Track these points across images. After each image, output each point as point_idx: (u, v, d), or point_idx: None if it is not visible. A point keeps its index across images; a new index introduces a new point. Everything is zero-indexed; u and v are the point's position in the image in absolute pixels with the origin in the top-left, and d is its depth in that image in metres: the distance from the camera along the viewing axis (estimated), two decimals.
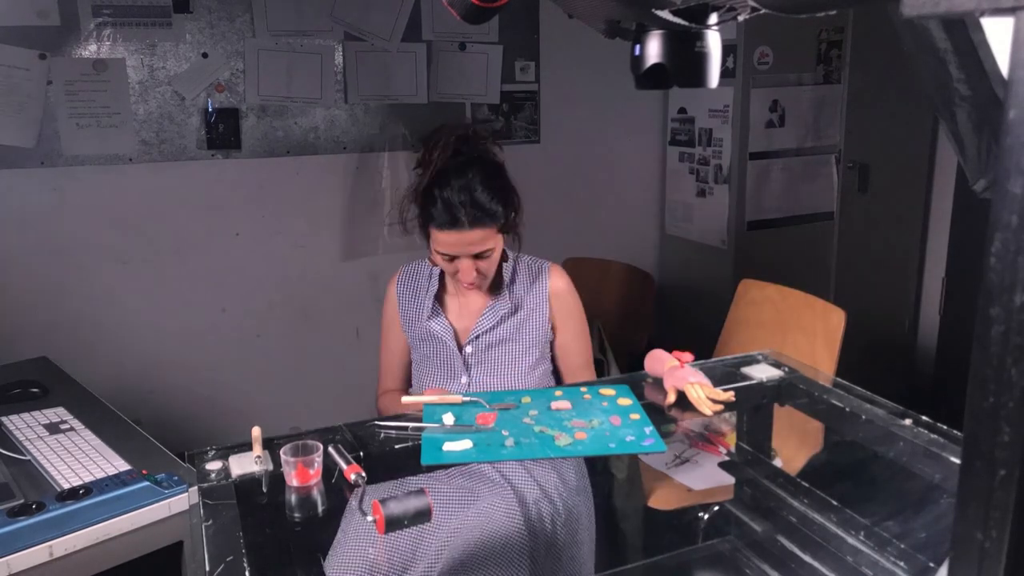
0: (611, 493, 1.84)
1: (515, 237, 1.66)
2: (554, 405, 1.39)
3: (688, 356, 1.45)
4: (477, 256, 1.57)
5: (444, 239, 1.55)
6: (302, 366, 3.10)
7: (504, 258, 1.69)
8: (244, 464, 1.18)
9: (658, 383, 1.46)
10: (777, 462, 1.56)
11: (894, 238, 3.48)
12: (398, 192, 3.12)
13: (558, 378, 1.78)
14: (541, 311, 1.70)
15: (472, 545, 1.45)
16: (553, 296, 1.71)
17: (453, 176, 1.56)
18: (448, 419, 1.31)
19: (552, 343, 1.74)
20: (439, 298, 1.72)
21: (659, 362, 1.47)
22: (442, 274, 1.71)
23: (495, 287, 1.70)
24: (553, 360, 1.76)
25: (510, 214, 1.61)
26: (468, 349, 1.68)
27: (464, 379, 1.67)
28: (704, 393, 1.36)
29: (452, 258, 1.57)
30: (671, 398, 1.39)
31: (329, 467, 1.15)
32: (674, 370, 1.41)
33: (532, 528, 1.49)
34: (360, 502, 1.08)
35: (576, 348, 1.76)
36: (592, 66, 3.17)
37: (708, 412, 1.34)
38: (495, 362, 1.68)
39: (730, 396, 1.39)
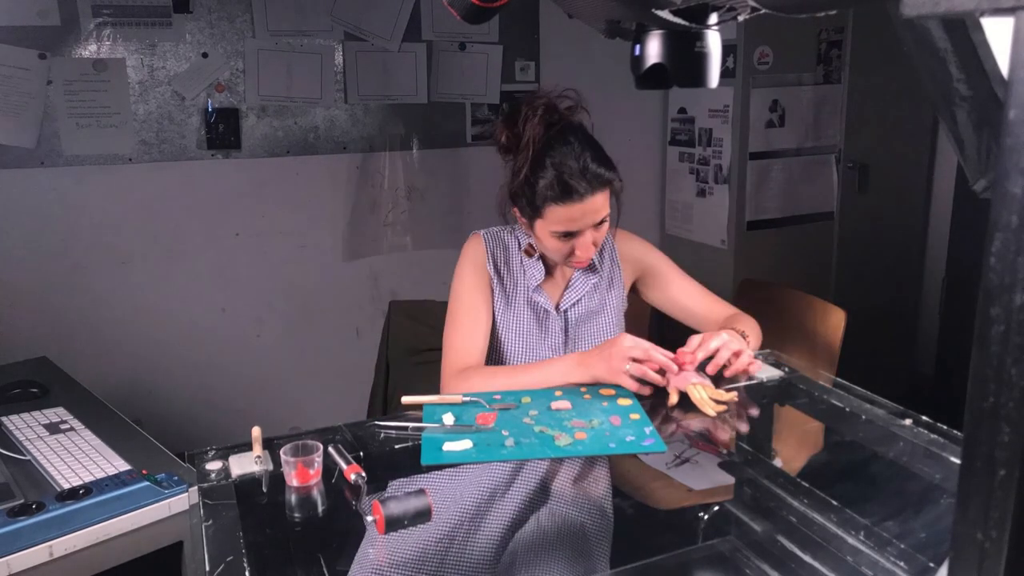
0: (610, 493, 1.83)
1: (618, 204, 1.58)
2: (554, 405, 1.39)
3: (690, 357, 1.45)
4: (595, 227, 1.49)
5: (565, 214, 1.45)
6: (302, 366, 3.10)
7: None
8: (244, 464, 1.18)
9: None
10: (777, 462, 1.55)
11: (894, 238, 3.48)
12: (397, 192, 3.13)
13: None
14: (618, 280, 1.67)
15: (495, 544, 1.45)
16: (623, 260, 1.67)
17: (558, 146, 1.46)
18: (448, 419, 1.31)
19: (662, 305, 1.70)
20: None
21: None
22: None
23: None
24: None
25: (618, 174, 1.53)
26: (560, 320, 1.62)
27: (563, 351, 1.62)
28: (707, 394, 1.36)
29: (568, 235, 1.48)
30: (673, 399, 1.39)
31: (329, 467, 1.15)
32: (679, 372, 1.41)
33: (546, 527, 1.50)
34: (360, 502, 1.09)
35: (687, 288, 1.70)
36: (592, 66, 3.17)
37: (712, 413, 1.34)
38: (587, 336, 1.63)
39: (733, 396, 1.39)
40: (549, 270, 1.65)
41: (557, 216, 1.46)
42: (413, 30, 3.00)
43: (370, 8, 2.93)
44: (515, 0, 1.82)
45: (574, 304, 1.64)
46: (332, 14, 2.89)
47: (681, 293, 1.71)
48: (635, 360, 1.39)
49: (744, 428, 1.59)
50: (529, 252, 1.63)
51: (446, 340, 1.62)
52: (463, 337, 1.58)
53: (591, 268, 1.64)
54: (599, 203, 1.48)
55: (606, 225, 1.53)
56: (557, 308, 1.63)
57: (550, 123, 1.49)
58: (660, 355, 1.40)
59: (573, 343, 1.64)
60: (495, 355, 1.64)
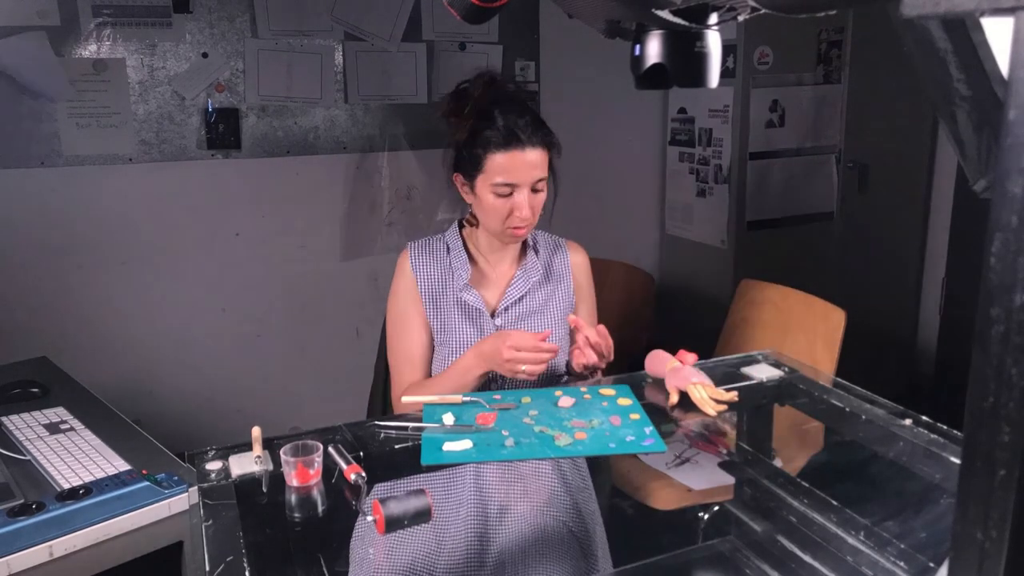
0: (611, 493, 1.84)
1: (554, 183, 1.61)
2: (560, 403, 1.39)
3: (692, 357, 1.45)
4: (533, 190, 1.51)
5: (504, 163, 1.49)
6: (302, 366, 3.10)
7: None
8: (244, 464, 1.18)
9: (659, 383, 1.46)
10: (777, 462, 1.56)
11: (894, 238, 3.48)
12: (397, 192, 3.13)
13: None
14: (566, 283, 1.67)
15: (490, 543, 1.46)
16: (575, 269, 1.69)
17: (504, 102, 1.52)
18: (448, 419, 1.31)
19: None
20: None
21: (660, 362, 1.47)
22: (465, 246, 1.64)
23: (521, 254, 1.66)
24: None
25: (558, 143, 1.57)
26: (498, 321, 1.60)
27: None
28: (707, 393, 1.36)
29: (508, 193, 1.50)
30: (674, 399, 1.39)
31: (329, 467, 1.15)
32: (676, 370, 1.41)
33: (545, 527, 1.50)
34: (360, 502, 1.09)
35: (592, 323, 1.69)
36: (592, 66, 3.17)
37: (712, 413, 1.34)
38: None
39: (733, 396, 1.38)
40: (485, 272, 1.64)
41: (498, 165, 1.49)
42: (413, 30, 3.00)
43: (370, 8, 2.93)
44: (515, 0, 1.82)
45: (514, 303, 1.61)
46: (332, 14, 2.89)
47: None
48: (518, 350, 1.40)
49: (744, 428, 1.60)
50: (471, 221, 1.65)
51: (391, 360, 1.65)
52: (401, 356, 1.61)
53: (533, 267, 1.63)
54: (539, 159, 1.51)
55: (542, 196, 1.55)
56: (495, 310, 1.61)
57: (491, 82, 1.57)
58: (541, 349, 1.40)
59: None
60: (439, 361, 1.62)
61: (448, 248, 1.65)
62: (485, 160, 1.51)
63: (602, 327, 1.48)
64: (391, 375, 1.66)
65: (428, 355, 1.61)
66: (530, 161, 1.50)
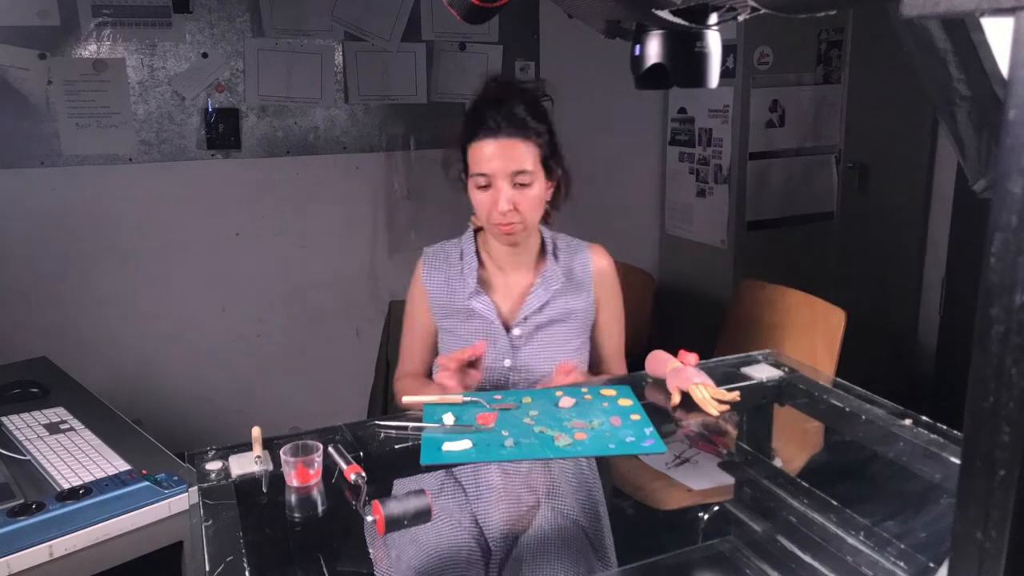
0: (611, 493, 1.84)
1: (560, 189, 1.59)
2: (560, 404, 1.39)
3: (693, 357, 1.45)
4: (516, 185, 1.48)
5: (479, 152, 1.48)
6: (302, 366, 3.10)
7: (545, 218, 1.64)
8: (244, 464, 1.18)
9: (659, 384, 1.46)
10: (777, 462, 1.55)
11: (894, 238, 3.47)
12: (398, 192, 3.13)
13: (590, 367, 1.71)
14: (587, 289, 1.64)
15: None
16: (596, 275, 1.65)
17: (492, 93, 1.52)
18: (448, 419, 1.31)
19: (594, 325, 1.67)
20: (479, 277, 1.62)
21: (661, 363, 1.46)
22: (477, 252, 1.64)
23: (539, 260, 1.63)
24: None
25: (551, 137, 1.53)
26: (516, 331, 1.58)
27: (508, 362, 1.59)
28: (709, 394, 1.36)
29: (486, 185, 1.49)
30: (675, 399, 1.38)
31: (329, 467, 1.15)
32: (678, 371, 1.41)
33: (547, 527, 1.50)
34: (360, 502, 1.08)
35: (614, 331, 1.70)
36: (592, 66, 3.17)
37: (715, 413, 1.34)
38: (542, 343, 1.60)
39: (735, 396, 1.38)
40: (499, 278, 1.63)
41: (475, 155, 1.49)
42: (413, 30, 3.00)
43: (370, 8, 2.93)
44: (515, 0, 1.82)
45: (534, 313, 1.59)
46: (332, 14, 2.89)
47: (604, 330, 1.70)
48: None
49: (744, 428, 1.60)
50: (474, 222, 1.66)
51: (399, 364, 1.74)
52: (405, 349, 1.71)
53: (553, 276, 1.60)
54: (517, 150, 1.48)
55: (531, 192, 1.50)
56: (513, 320, 1.59)
57: (495, 83, 1.56)
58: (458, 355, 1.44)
59: (520, 352, 1.59)
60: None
61: (461, 253, 1.64)
62: (467, 152, 1.51)
63: (563, 364, 1.50)
64: (399, 378, 1.72)
65: (426, 351, 1.70)
66: (504, 152, 1.47)
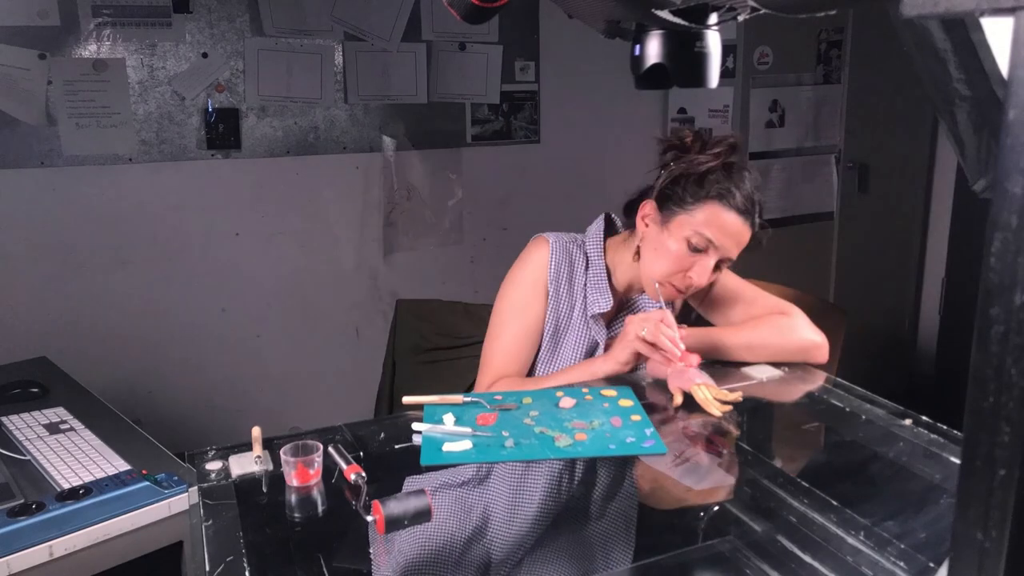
0: (610, 493, 1.83)
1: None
2: (561, 404, 1.39)
3: (695, 358, 1.45)
4: (718, 266, 1.43)
5: (720, 219, 1.39)
6: (302, 366, 3.10)
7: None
8: (244, 464, 1.18)
9: (660, 384, 1.45)
10: (777, 462, 1.55)
11: (894, 238, 3.48)
12: (398, 192, 3.13)
13: None
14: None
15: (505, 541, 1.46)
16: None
17: (743, 170, 1.44)
18: (448, 419, 1.31)
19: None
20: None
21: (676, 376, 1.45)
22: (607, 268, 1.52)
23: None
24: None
25: (761, 238, 1.48)
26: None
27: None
28: (711, 394, 1.35)
29: (699, 250, 1.41)
30: (677, 400, 1.38)
31: (329, 467, 1.15)
32: (679, 372, 1.40)
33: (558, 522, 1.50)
34: (360, 502, 1.08)
35: (732, 288, 1.64)
36: (592, 66, 3.17)
37: (717, 413, 1.34)
38: None
39: (738, 396, 1.38)
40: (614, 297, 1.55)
41: (711, 217, 1.39)
42: (413, 30, 3.00)
43: (370, 8, 2.93)
44: (515, 0, 1.82)
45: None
46: (332, 14, 2.89)
47: (722, 302, 1.64)
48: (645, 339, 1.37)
49: (745, 428, 1.60)
50: (636, 254, 1.51)
51: (487, 346, 1.52)
52: (506, 347, 1.50)
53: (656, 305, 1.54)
54: (744, 238, 1.43)
55: (719, 274, 1.48)
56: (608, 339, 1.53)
57: (733, 149, 1.47)
58: (666, 332, 1.37)
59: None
60: (531, 371, 1.56)
61: (587, 263, 1.52)
62: (701, 205, 1.40)
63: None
64: (482, 362, 1.53)
65: (531, 355, 1.51)
66: (740, 232, 1.42)
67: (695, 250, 1.41)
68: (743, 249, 1.46)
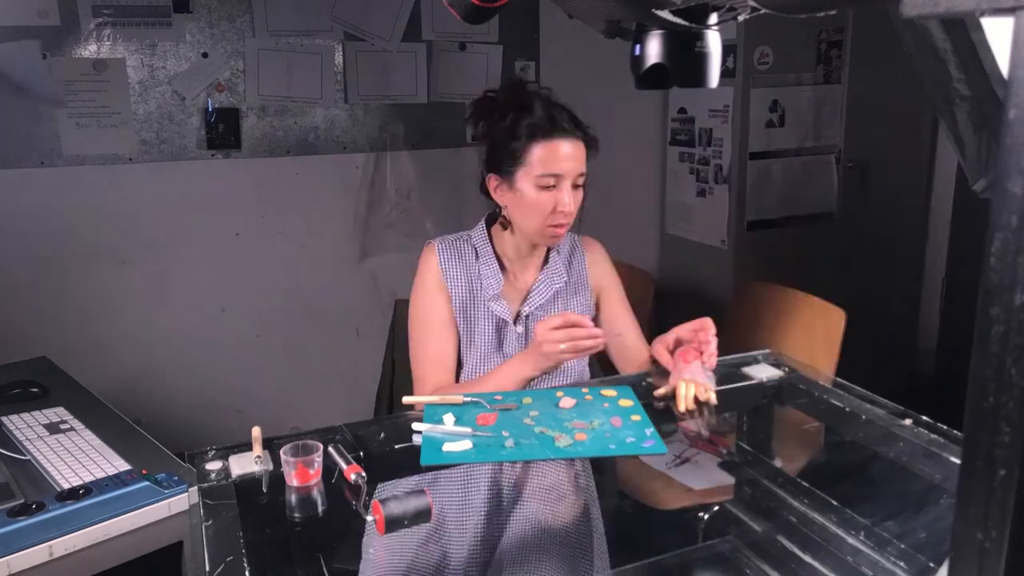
0: (610, 493, 1.84)
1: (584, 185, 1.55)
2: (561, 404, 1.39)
3: (693, 354, 1.45)
4: (574, 186, 1.47)
5: (547, 152, 1.44)
6: (302, 366, 3.10)
7: None
8: (244, 464, 1.18)
9: (661, 385, 1.46)
10: (777, 462, 1.55)
11: (894, 238, 3.47)
12: (398, 192, 3.13)
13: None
14: (585, 286, 1.63)
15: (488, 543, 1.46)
16: (591, 266, 1.64)
17: (541, 97, 1.48)
18: (448, 419, 1.31)
19: (595, 320, 1.63)
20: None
21: (680, 357, 1.44)
22: (494, 251, 1.58)
23: (544, 258, 1.60)
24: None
25: (596, 141, 1.52)
26: (519, 328, 1.56)
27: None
28: (692, 393, 1.36)
29: (551, 186, 1.45)
30: (662, 391, 1.40)
31: (329, 467, 1.15)
32: (681, 369, 1.41)
33: (543, 526, 1.50)
34: (360, 502, 1.08)
35: (627, 317, 1.65)
36: (592, 66, 3.16)
37: (682, 408, 1.35)
38: None
39: (710, 398, 1.37)
40: (510, 280, 1.59)
41: (542, 155, 1.45)
42: (413, 30, 3.00)
43: (370, 8, 2.93)
44: (515, 0, 1.82)
45: (535, 311, 1.58)
46: (332, 14, 2.89)
47: (617, 318, 1.66)
48: (556, 329, 1.37)
49: (744, 428, 1.60)
50: (503, 224, 1.56)
51: (415, 364, 1.56)
52: (432, 356, 1.54)
53: (556, 273, 1.59)
54: (580, 153, 1.47)
55: (581, 194, 1.51)
56: (517, 317, 1.57)
57: (521, 85, 1.52)
58: (575, 318, 1.38)
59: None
60: (465, 370, 1.58)
61: (476, 253, 1.58)
62: (527, 151, 1.46)
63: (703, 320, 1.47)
64: (416, 377, 1.57)
65: (455, 354, 1.56)
66: (573, 153, 1.47)
67: (548, 188, 1.46)
68: (589, 158, 1.51)
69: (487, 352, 1.56)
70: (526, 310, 1.58)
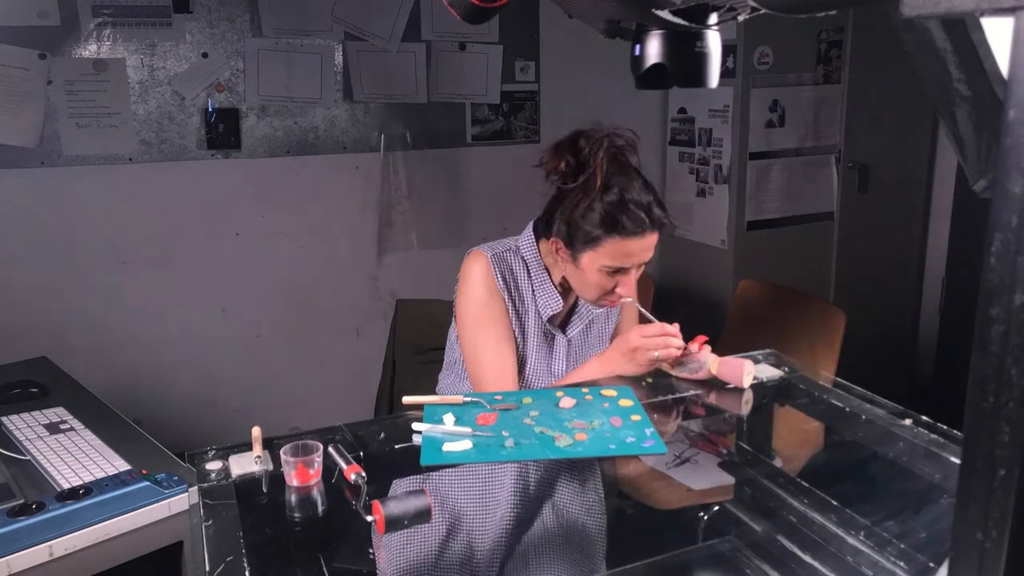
0: (610, 493, 1.84)
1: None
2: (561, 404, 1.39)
3: (696, 346, 1.46)
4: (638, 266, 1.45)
5: (624, 248, 1.39)
6: (302, 366, 3.10)
7: None
8: (244, 464, 1.18)
9: (661, 385, 1.46)
10: (777, 462, 1.56)
11: (894, 238, 3.48)
12: (398, 192, 3.13)
13: None
14: (615, 313, 1.63)
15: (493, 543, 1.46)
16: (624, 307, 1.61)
17: (626, 181, 1.41)
18: (448, 419, 1.31)
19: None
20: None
21: (728, 366, 1.45)
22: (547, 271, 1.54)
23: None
24: None
25: (671, 223, 1.48)
26: (567, 338, 1.56)
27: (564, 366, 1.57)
28: (668, 370, 1.43)
29: (616, 272, 1.42)
30: (665, 365, 1.45)
31: (329, 467, 1.15)
32: (692, 354, 1.44)
33: (543, 526, 1.50)
34: (360, 502, 1.08)
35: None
36: (592, 66, 3.17)
37: (667, 368, 1.44)
38: (591, 348, 1.59)
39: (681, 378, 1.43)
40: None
41: (615, 250, 1.39)
42: (413, 30, 3.00)
43: (370, 8, 2.93)
44: (515, 0, 1.81)
45: (580, 331, 1.58)
46: (332, 14, 2.89)
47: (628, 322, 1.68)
48: (651, 337, 1.41)
49: (744, 428, 1.60)
50: (564, 284, 1.53)
51: (473, 371, 1.51)
52: (493, 363, 1.49)
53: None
54: (653, 242, 1.43)
55: (643, 268, 1.49)
56: (563, 331, 1.57)
57: (614, 158, 1.43)
58: (673, 341, 1.41)
59: (574, 367, 1.57)
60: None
61: (528, 270, 1.53)
62: (603, 242, 1.39)
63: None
64: (475, 379, 1.52)
65: (515, 361, 1.51)
66: (646, 248, 1.42)
67: (614, 273, 1.43)
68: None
69: (537, 365, 1.55)
70: (570, 331, 1.57)
